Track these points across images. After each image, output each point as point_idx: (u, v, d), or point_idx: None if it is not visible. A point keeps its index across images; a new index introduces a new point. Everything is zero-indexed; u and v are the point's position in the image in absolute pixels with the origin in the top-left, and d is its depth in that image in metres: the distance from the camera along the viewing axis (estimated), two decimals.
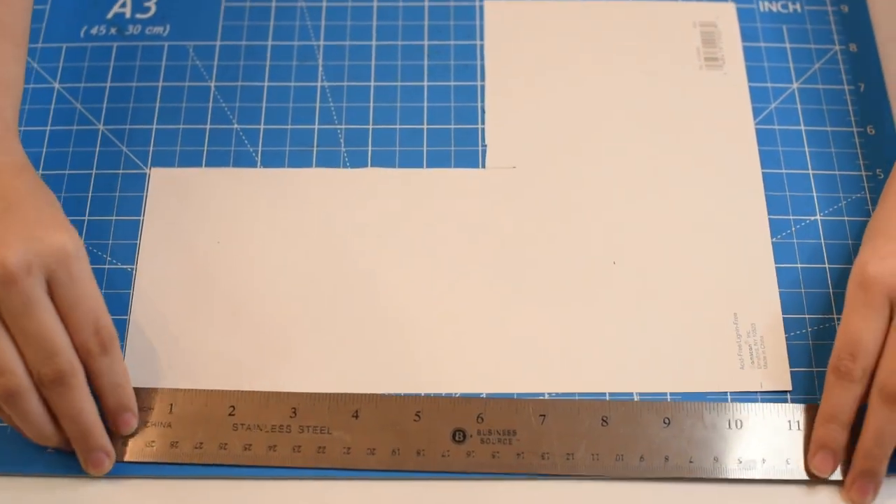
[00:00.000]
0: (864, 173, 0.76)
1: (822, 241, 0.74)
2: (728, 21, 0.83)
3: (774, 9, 0.84)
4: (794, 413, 0.68)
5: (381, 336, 0.71)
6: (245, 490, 0.66)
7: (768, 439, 0.67)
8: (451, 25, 0.83)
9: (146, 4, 0.83)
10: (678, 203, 0.75)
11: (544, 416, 0.68)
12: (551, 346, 0.70)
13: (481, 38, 0.82)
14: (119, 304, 0.71)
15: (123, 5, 0.83)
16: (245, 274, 0.72)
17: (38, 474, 0.66)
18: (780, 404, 0.68)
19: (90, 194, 0.75)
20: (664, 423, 0.67)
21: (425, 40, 0.82)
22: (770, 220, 0.75)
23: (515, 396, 0.69)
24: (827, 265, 0.73)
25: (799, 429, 0.67)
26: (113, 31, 0.82)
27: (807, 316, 0.71)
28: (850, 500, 0.66)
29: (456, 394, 0.69)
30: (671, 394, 0.69)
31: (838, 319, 0.70)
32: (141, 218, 0.74)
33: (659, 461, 0.66)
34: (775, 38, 0.82)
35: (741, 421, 0.68)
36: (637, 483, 0.66)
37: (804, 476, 0.66)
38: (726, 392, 0.69)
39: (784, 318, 0.71)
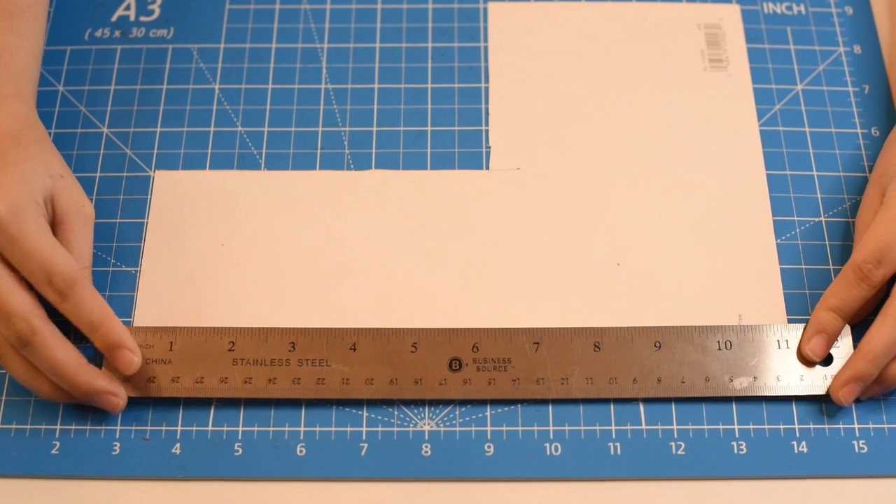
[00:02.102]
0: (868, 175, 0.76)
1: (827, 242, 0.74)
2: (732, 23, 0.83)
3: (779, 10, 0.84)
4: (783, 332, 0.70)
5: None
6: (247, 491, 0.66)
7: (758, 358, 0.69)
8: (454, 28, 0.83)
9: (150, 7, 0.83)
10: (682, 204, 0.75)
11: (538, 343, 0.69)
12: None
13: (485, 41, 0.82)
14: (124, 306, 0.71)
15: (127, 8, 0.83)
16: (249, 276, 0.73)
17: (42, 476, 0.67)
18: (768, 325, 0.70)
19: (94, 197, 0.75)
20: (655, 346, 0.69)
21: (429, 42, 0.82)
22: (774, 221, 0.75)
23: None
24: (831, 266, 0.73)
25: (788, 347, 0.69)
26: (117, 33, 0.82)
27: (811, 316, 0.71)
28: (838, 398, 0.67)
29: None
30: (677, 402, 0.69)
31: None
32: (145, 220, 0.74)
33: (651, 382, 0.68)
34: (780, 39, 0.82)
35: (730, 342, 0.69)
36: (640, 482, 0.67)
37: (796, 392, 0.68)
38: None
39: (788, 319, 0.71)
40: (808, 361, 0.69)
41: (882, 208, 0.69)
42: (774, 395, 0.68)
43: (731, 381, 0.68)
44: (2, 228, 0.65)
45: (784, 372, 0.68)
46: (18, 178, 0.67)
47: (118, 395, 0.67)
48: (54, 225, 0.69)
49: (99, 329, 0.67)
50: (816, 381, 0.68)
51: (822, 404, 0.69)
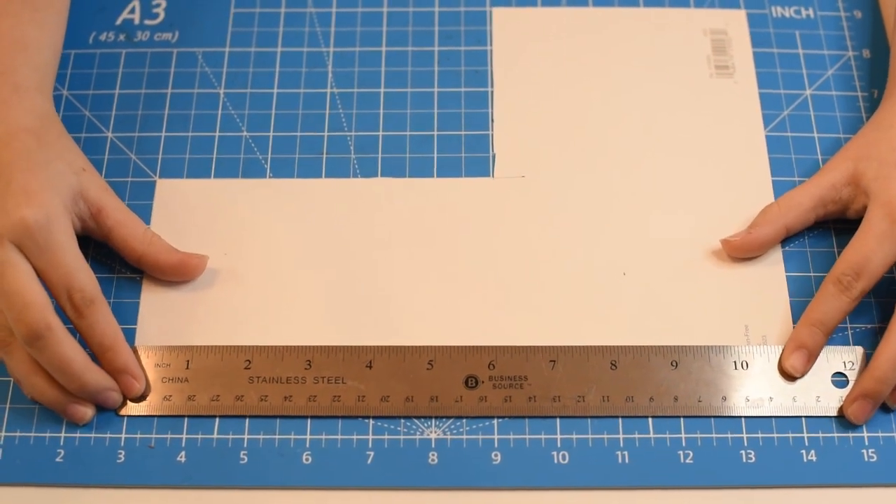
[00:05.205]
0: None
1: (835, 249, 0.73)
2: (738, 28, 0.82)
3: (787, 14, 0.83)
4: None
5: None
6: (253, 500, 0.66)
7: (774, 379, 0.69)
8: (461, 31, 0.82)
9: (155, 10, 0.83)
10: (688, 212, 0.75)
11: (554, 361, 0.69)
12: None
13: (492, 44, 0.82)
14: (127, 313, 0.71)
15: (132, 11, 0.83)
16: (250, 287, 0.72)
17: (46, 484, 0.66)
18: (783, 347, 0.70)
19: None
20: (672, 365, 0.69)
21: (435, 46, 0.82)
22: None
23: None
24: None
25: None
26: (122, 37, 0.82)
27: None
28: (848, 415, 0.68)
29: None
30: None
31: (851, 329, 0.70)
32: (149, 226, 0.74)
33: (668, 401, 0.68)
34: (788, 44, 0.82)
35: (747, 362, 0.69)
36: (642, 491, 0.66)
37: (813, 413, 0.68)
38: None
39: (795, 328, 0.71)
40: (789, 377, 0.69)
41: (862, 224, 0.70)
42: (791, 415, 0.68)
43: (748, 400, 0.68)
44: (33, 236, 0.65)
45: (800, 393, 0.68)
46: (48, 184, 0.67)
47: (118, 392, 0.67)
48: (94, 216, 0.70)
49: (107, 352, 0.67)
50: (832, 402, 0.68)
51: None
